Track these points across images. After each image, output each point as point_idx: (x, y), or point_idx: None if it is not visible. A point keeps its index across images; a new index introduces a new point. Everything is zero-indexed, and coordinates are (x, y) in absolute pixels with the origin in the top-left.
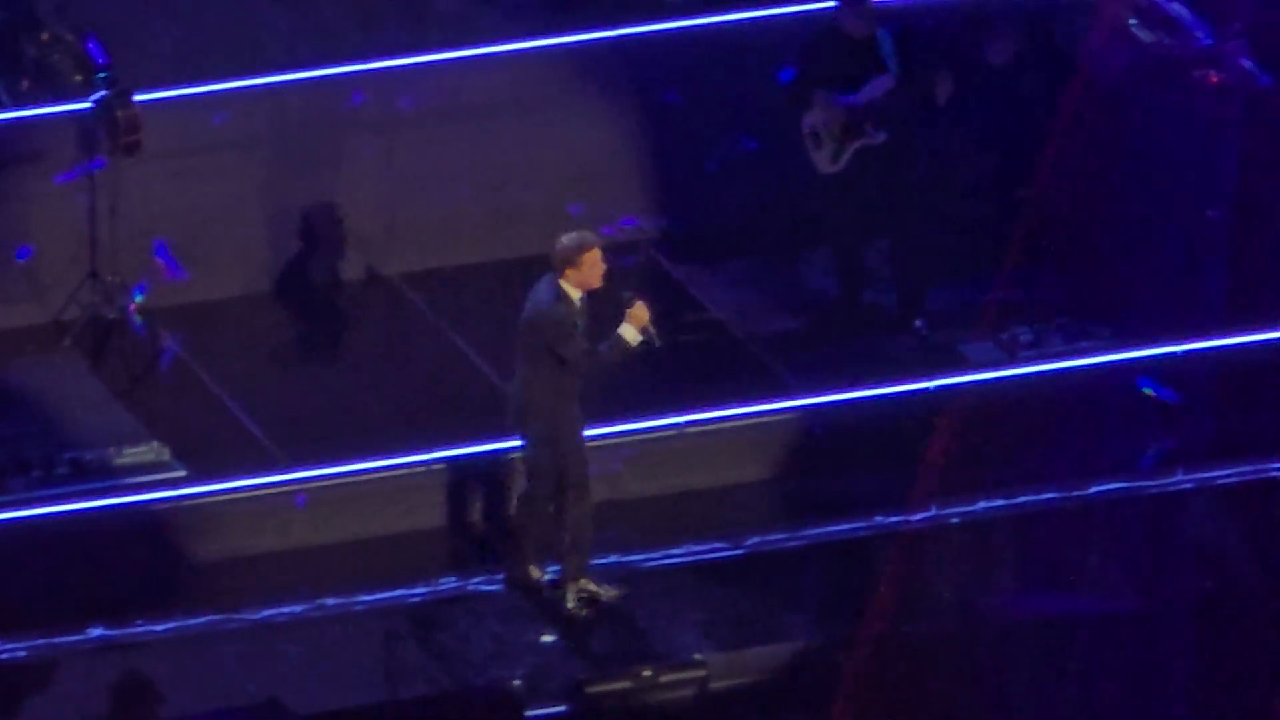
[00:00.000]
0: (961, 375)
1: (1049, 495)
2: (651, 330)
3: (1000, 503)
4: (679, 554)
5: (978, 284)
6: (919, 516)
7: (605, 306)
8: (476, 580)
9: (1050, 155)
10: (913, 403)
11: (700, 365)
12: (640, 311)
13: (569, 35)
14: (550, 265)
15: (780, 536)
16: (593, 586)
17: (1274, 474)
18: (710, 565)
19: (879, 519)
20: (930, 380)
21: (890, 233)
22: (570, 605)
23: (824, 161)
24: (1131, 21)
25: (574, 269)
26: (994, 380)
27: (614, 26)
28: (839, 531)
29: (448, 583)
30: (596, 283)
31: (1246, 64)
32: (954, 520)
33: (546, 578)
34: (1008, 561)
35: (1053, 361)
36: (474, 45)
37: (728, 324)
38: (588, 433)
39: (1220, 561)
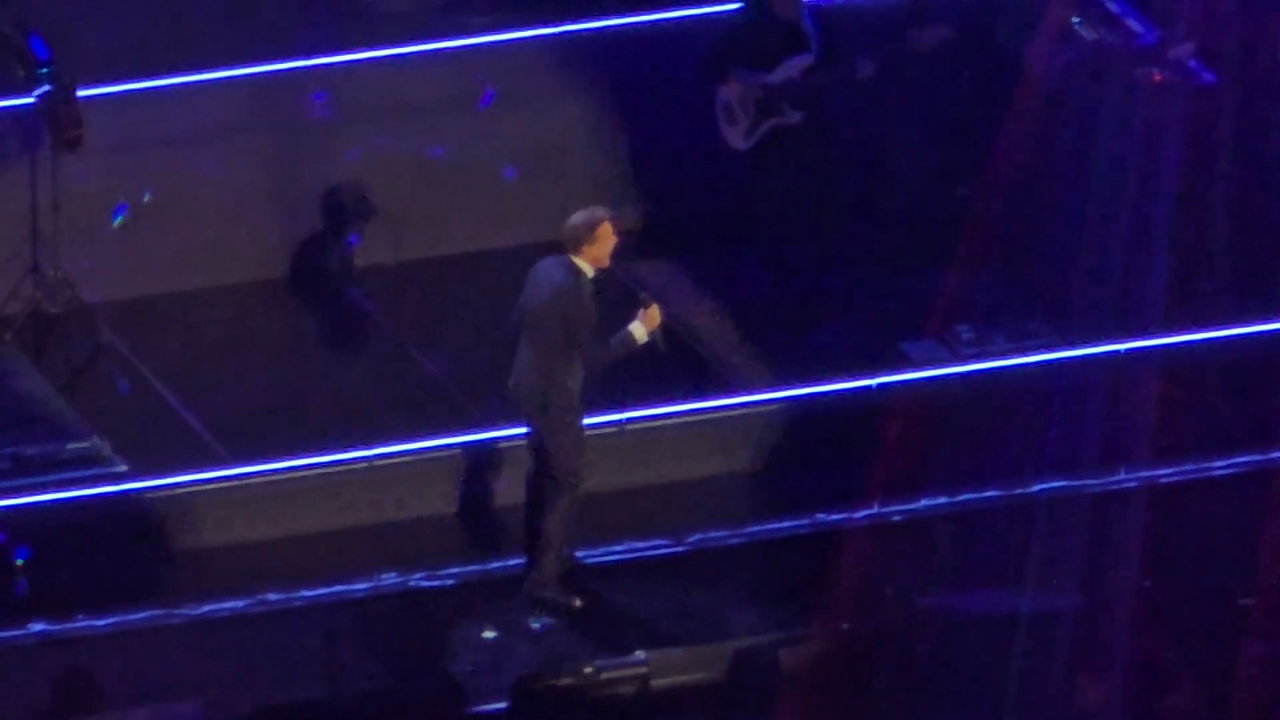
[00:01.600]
0: (903, 373)
1: (991, 493)
2: (659, 335)
3: (943, 500)
4: (620, 550)
5: (919, 282)
6: (862, 514)
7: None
8: (418, 576)
9: (992, 153)
10: (856, 400)
11: (641, 361)
12: (655, 314)
13: (507, 32)
14: (563, 247)
15: (723, 533)
16: (557, 595)
17: (1218, 472)
18: (654, 562)
19: (821, 516)
20: (872, 378)
21: (821, 225)
22: (537, 610)
23: (736, 137)
24: (1074, 19)
25: (589, 245)
26: (936, 378)
27: (556, 23)
28: (782, 529)
29: (389, 578)
30: (608, 259)
31: (1189, 62)
32: (896, 518)
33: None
34: (951, 558)
35: (996, 359)
36: (416, 42)
37: (668, 319)
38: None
39: (1162, 560)
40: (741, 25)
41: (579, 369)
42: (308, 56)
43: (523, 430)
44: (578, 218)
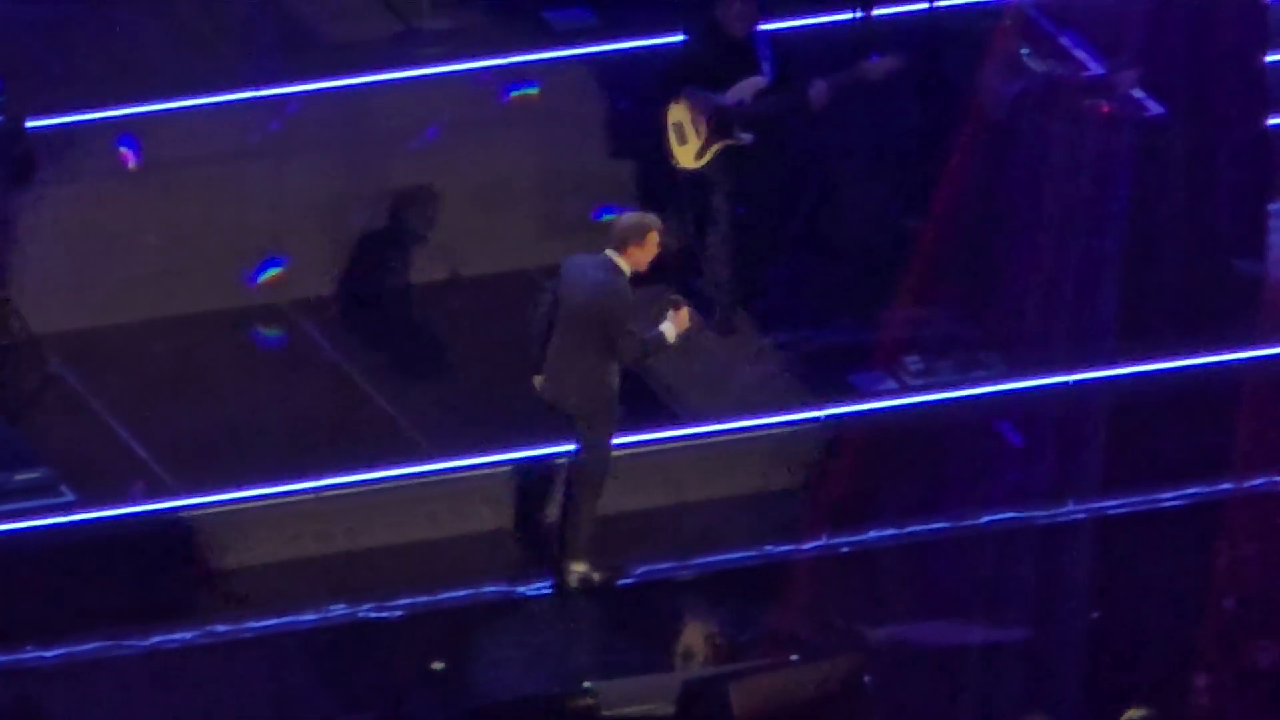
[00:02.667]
0: (852, 404)
1: (939, 525)
2: (692, 335)
3: (891, 532)
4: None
5: (865, 312)
6: (809, 545)
7: None
8: (366, 607)
9: (941, 184)
10: (806, 431)
11: None
12: (685, 315)
13: (453, 64)
14: (609, 243)
15: (670, 565)
16: (589, 570)
17: (1166, 504)
18: (603, 592)
19: (769, 548)
20: (821, 409)
21: (768, 252)
22: (573, 584)
23: (686, 156)
24: (1023, 51)
25: (637, 247)
26: (885, 409)
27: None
28: (730, 560)
29: (338, 610)
30: (645, 267)
31: (1137, 94)
32: (844, 549)
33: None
34: (900, 590)
35: (944, 391)
36: (361, 73)
37: None
38: (473, 460)
39: (1110, 591)
40: (695, 45)
41: (612, 367)
42: (257, 87)
43: (472, 461)
44: (631, 218)
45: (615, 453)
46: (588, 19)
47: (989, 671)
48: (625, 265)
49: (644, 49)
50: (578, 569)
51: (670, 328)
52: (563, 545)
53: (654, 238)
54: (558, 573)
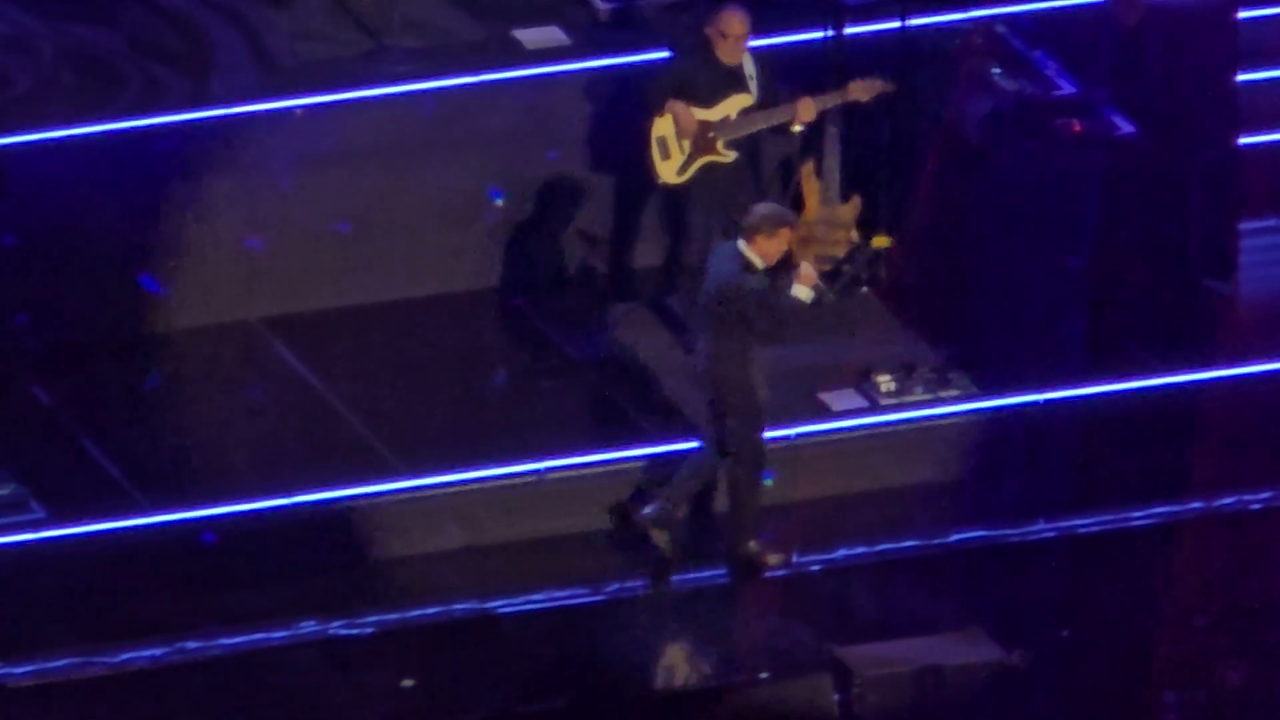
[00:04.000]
0: (823, 423)
1: (909, 544)
2: (822, 286)
3: (861, 550)
4: (540, 599)
5: (837, 331)
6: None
7: None
8: (336, 624)
9: (913, 202)
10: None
11: (559, 411)
12: (809, 270)
13: (433, 80)
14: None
15: (638, 584)
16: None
17: (1135, 523)
18: (570, 610)
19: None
20: (791, 428)
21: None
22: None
23: (668, 171)
24: (994, 71)
25: (766, 238)
26: (857, 428)
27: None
28: (699, 579)
29: (308, 626)
30: (774, 260)
31: (1108, 113)
32: (815, 568)
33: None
34: (869, 609)
35: (916, 409)
36: (333, 90)
37: (584, 370)
38: (453, 476)
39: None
40: (682, 62)
41: (752, 353)
42: (225, 105)
43: (441, 478)
44: (766, 208)
45: (573, 473)
46: (559, 37)
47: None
48: (754, 256)
49: (616, 67)
50: (750, 551)
51: (801, 288)
52: (731, 532)
53: (784, 233)
54: (730, 559)
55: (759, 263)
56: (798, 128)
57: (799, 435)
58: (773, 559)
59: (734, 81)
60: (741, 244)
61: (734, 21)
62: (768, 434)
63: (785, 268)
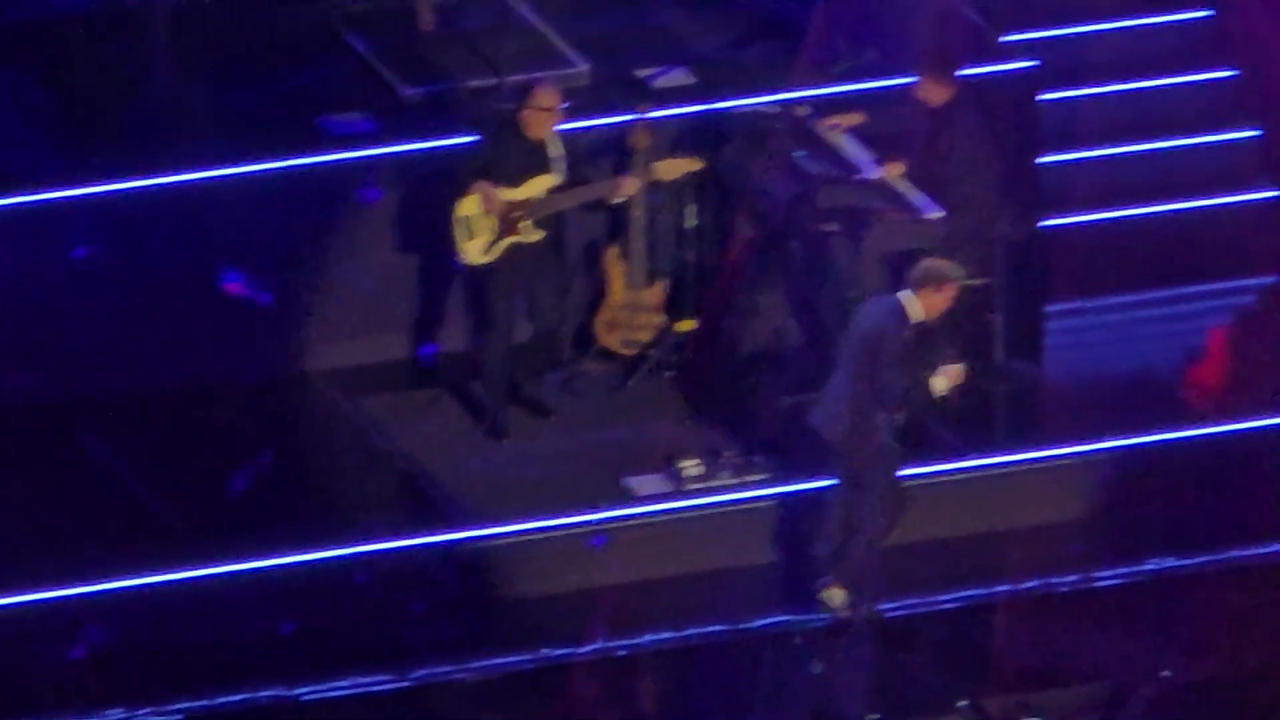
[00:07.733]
0: (627, 508)
1: (717, 628)
2: (954, 393)
3: (669, 634)
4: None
5: (642, 414)
6: (588, 648)
7: None
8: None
9: (718, 286)
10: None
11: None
12: (958, 371)
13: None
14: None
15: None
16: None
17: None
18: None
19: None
20: (594, 512)
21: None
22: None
23: (474, 252)
24: (799, 153)
25: (929, 291)
26: (661, 513)
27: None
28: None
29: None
30: (936, 315)
31: (911, 194)
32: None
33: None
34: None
35: (720, 494)
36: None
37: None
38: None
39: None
40: (488, 143)
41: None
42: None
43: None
44: (935, 262)
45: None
46: (366, 128)
47: None
48: (917, 306)
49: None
50: (835, 598)
51: (941, 380)
52: (832, 571)
53: (950, 290)
54: (820, 599)
55: (920, 315)
56: (618, 199)
57: (603, 520)
58: (860, 611)
59: (540, 162)
60: (906, 295)
61: (545, 95)
62: (567, 520)
63: (931, 343)
